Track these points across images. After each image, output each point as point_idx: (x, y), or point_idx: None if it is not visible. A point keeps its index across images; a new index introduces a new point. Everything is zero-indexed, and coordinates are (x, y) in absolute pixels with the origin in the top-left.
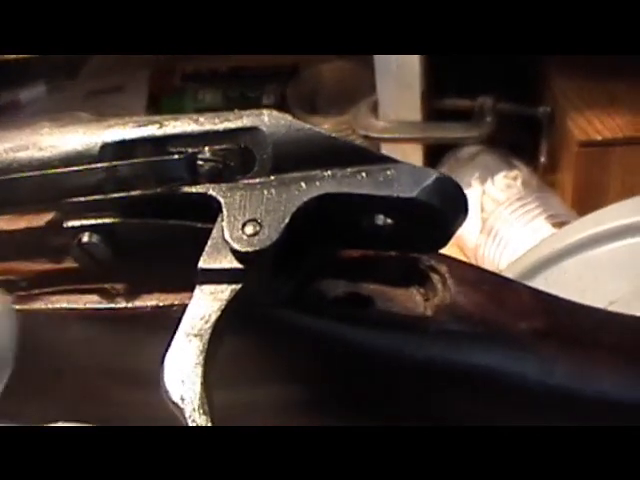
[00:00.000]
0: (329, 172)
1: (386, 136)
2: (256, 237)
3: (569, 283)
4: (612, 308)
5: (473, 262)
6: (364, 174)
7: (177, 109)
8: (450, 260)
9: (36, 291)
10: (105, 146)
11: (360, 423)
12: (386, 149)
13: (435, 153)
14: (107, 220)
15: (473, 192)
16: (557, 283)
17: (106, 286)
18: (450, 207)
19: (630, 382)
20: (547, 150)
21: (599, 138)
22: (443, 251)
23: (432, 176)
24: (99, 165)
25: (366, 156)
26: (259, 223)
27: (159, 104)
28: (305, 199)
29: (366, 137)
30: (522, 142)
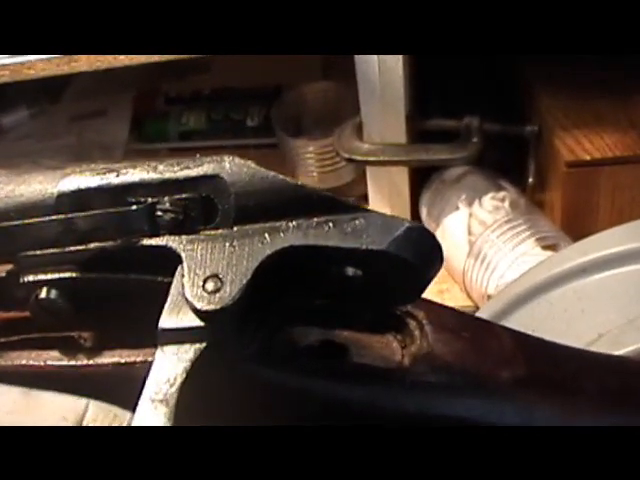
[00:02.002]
0: (294, 222)
1: (371, 159)
2: (217, 294)
3: (555, 315)
4: (601, 341)
5: (461, 286)
6: (331, 224)
7: (161, 132)
8: (428, 304)
9: (2, 339)
10: (61, 196)
11: None
12: (371, 172)
13: (421, 175)
14: (65, 274)
15: (460, 214)
16: (543, 315)
17: (73, 334)
18: (423, 258)
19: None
20: (535, 170)
21: (587, 158)
22: None
23: (403, 226)
24: (55, 217)
25: (334, 204)
26: (220, 279)
27: (143, 127)
28: (269, 252)
29: (350, 160)
30: (509, 163)
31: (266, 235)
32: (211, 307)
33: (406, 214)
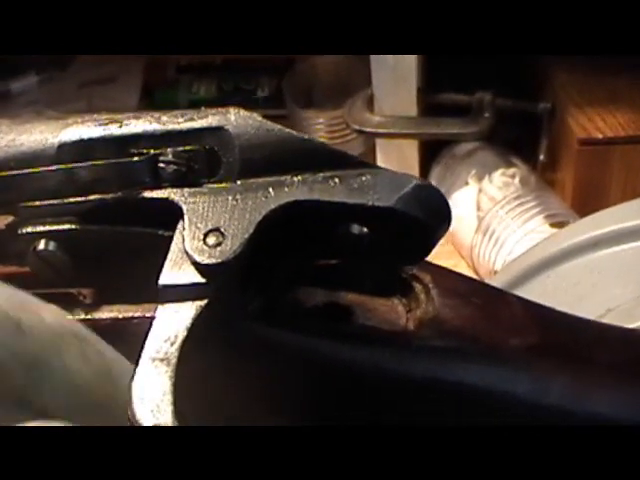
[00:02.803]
0: (300, 177)
1: (381, 131)
2: (218, 248)
3: (566, 288)
4: (610, 316)
5: (469, 262)
6: (337, 180)
7: (171, 101)
8: (435, 269)
9: None
10: (63, 146)
11: None
12: (381, 144)
13: (431, 149)
14: (65, 226)
15: (470, 190)
16: (553, 288)
17: (73, 291)
18: (432, 217)
19: (629, 402)
20: (547, 148)
21: (600, 136)
22: (436, 248)
23: (412, 183)
24: (56, 167)
25: (341, 160)
26: (222, 233)
27: (153, 96)
28: (272, 206)
29: (360, 132)
30: (521, 139)
31: (270, 189)
32: (212, 261)
33: None
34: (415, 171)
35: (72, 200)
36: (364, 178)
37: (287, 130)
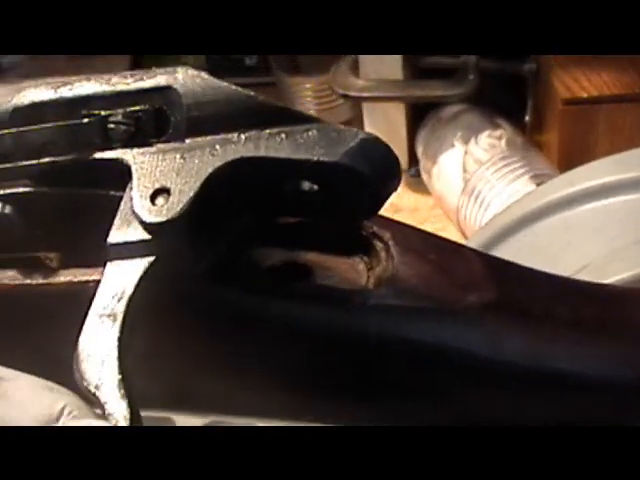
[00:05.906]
0: (246, 134)
1: (366, 95)
2: (165, 206)
3: (541, 247)
4: (584, 272)
5: (456, 224)
6: (284, 136)
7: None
8: (395, 226)
9: None
10: (16, 110)
11: (298, 401)
12: (368, 109)
13: (418, 112)
14: (18, 190)
15: (455, 152)
16: (529, 247)
17: (40, 255)
18: (378, 171)
19: (592, 357)
20: (533, 109)
21: (584, 96)
22: (424, 213)
23: (357, 137)
24: (6, 132)
25: (288, 116)
26: (169, 191)
27: (142, 62)
28: (219, 164)
29: (345, 96)
30: (507, 100)
31: (217, 147)
32: (158, 219)
33: (403, 152)
34: (402, 135)
35: (24, 163)
36: (310, 133)
37: (234, 87)
